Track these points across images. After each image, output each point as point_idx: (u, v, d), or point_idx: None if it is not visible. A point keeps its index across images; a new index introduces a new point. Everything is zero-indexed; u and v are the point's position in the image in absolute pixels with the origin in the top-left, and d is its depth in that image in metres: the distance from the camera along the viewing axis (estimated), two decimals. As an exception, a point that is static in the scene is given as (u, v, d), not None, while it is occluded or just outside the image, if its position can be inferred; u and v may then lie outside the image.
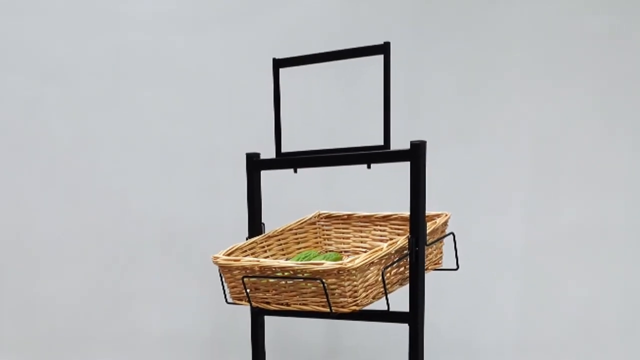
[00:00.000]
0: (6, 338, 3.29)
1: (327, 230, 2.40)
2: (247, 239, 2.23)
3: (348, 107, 3.10)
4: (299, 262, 1.91)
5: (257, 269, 1.92)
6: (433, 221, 2.08)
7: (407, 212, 1.99)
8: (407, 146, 1.94)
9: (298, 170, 2.16)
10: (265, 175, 2.26)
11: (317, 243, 2.39)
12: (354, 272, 1.80)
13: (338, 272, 1.80)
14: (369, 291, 1.88)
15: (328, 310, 1.85)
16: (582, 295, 3.06)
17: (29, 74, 3.18)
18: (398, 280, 2.01)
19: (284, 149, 2.19)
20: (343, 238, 2.37)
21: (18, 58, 3.18)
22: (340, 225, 2.38)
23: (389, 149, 1.98)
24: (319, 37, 3.00)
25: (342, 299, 1.83)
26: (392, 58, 1.96)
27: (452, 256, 2.18)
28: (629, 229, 3.01)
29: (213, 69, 3.15)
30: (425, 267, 2.00)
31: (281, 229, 2.29)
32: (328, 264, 1.80)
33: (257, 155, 2.25)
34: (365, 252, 2.01)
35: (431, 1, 3.05)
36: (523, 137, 3.05)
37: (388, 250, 1.89)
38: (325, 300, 1.83)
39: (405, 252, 1.94)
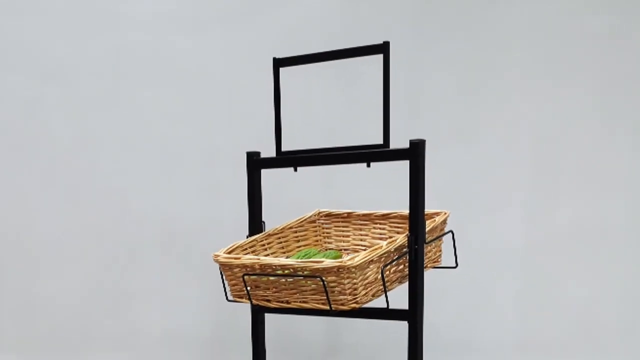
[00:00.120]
0: (6, 338, 3.29)
1: (327, 228, 2.40)
2: (247, 237, 2.23)
3: (348, 107, 3.10)
4: (299, 260, 1.92)
5: (257, 266, 1.92)
6: (432, 219, 2.09)
7: (406, 211, 1.99)
8: (407, 145, 1.95)
9: (298, 168, 2.16)
10: (266, 174, 2.26)
11: (317, 241, 2.39)
12: (353, 270, 1.80)
13: (338, 270, 1.80)
14: (369, 289, 1.88)
15: (328, 307, 1.85)
16: (582, 295, 3.06)
17: (29, 74, 3.18)
18: (397, 278, 2.01)
19: (284, 148, 2.19)
20: (343, 236, 2.37)
21: (18, 58, 3.18)
22: (340, 224, 2.38)
23: (389, 147, 1.99)
24: (319, 37, 3.01)
25: (341, 297, 1.83)
26: (392, 58, 1.96)
27: (451, 254, 2.18)
28: (628, 229, 3.02)
29: (213, 69, 3.16)
30: (425, 265, 2.00)
31: (281, 227, 2.29)
32: (328, 262, 1.80)
33: (258, 154, 2.25)
34: (364, 250, 2.01)
35: (431, 1, 3.06)
36: (523, 137, 3.05)
37: (387, 248, 1.89)
38: (325, 297, 1.83)
39: (405, 250, 1.95)
